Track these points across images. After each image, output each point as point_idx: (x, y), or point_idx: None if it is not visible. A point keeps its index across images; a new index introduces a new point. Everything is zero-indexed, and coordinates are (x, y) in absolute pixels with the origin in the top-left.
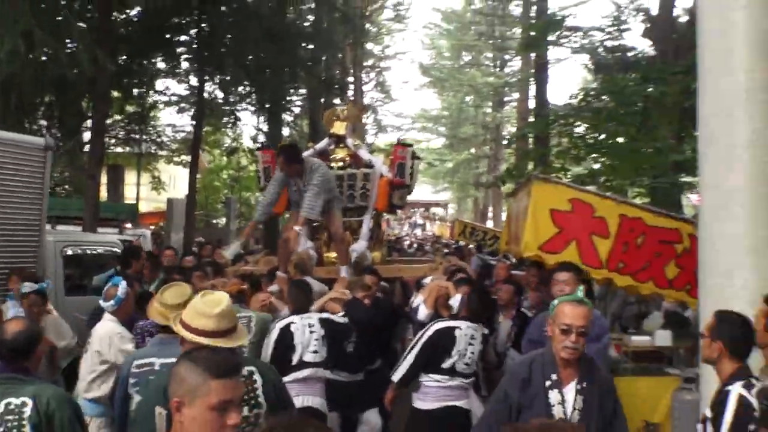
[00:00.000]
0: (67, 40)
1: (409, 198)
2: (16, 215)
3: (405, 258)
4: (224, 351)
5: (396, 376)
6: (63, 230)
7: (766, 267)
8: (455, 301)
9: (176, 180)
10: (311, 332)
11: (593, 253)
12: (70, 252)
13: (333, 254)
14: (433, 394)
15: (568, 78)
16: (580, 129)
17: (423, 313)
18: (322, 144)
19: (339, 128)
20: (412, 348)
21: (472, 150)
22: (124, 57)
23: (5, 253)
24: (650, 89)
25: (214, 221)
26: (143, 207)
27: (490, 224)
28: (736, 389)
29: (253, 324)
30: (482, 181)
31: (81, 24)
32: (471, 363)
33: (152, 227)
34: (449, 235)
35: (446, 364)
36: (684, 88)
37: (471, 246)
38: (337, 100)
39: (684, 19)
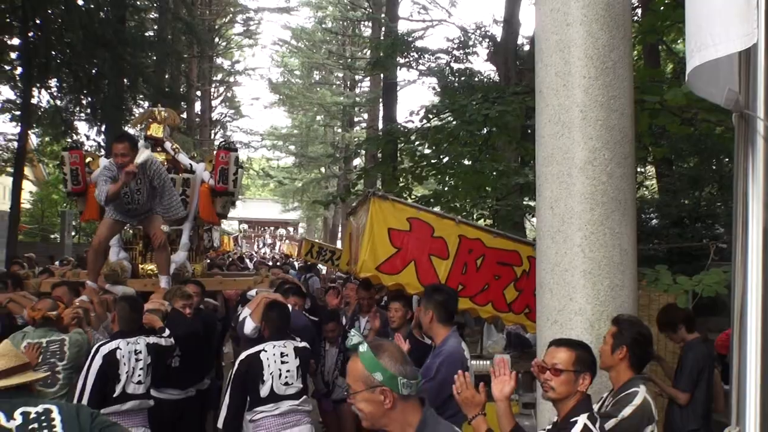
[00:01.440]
0: None
1: (259, 216)
2: None
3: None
4: None
5: (220, 422)
6: None
7: (603, 290)
8: None
9: (7, 192)
10: (137, 360)
11: (432, 273)
12: None
13: (149, 266)
14: (265, 427)
15: (418, 101)
16: (426, 150)
17: (250, 326)
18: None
19: (156, 131)
20: (227, 387)
21: (322, 169)
22: None
23: None
24: (490, 109)
25: (52, 236)
26: None
27: (339, 243)
28: (582, 420)
29: (67, 348)
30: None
31: None
32: (292, 382)
33: None
34: (297, 254)
35: (263, 392)
36: (524, 108)
37: (319, 266)
38: (184, 115)
39: (528, 47)
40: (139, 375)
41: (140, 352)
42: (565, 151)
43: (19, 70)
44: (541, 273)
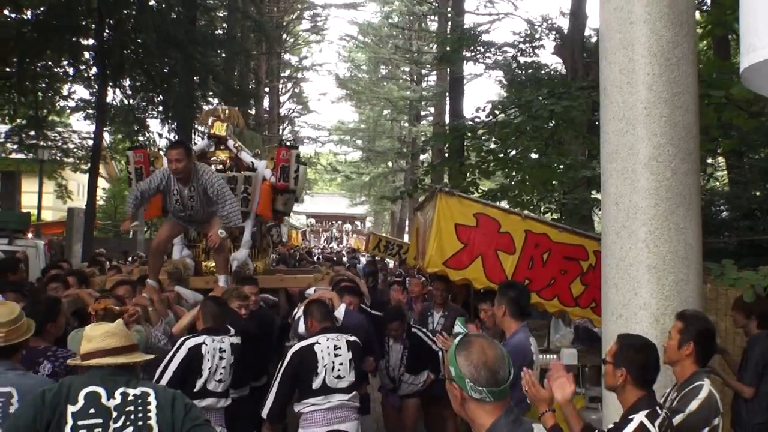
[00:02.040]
0: None
1: (327, 211)
2: None
3: (289, 269)
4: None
5: (264, 411)
6: None
7: (668, 284)
8: (340, 312)
9: (85, 189)
10: (221, 358)
11: (499, 268)
12: None
13: (212, 263)
14: (314, 420)
15: (484, 94)
16: (492, 144)
17: (302, 325)
18: (201, 145)
19: (219, 129)
20: (275, 377)
21: (389, 163)
22: (16, 59)
23: None
24: (556, 105)
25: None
26: (49, 216)
27: (406, 238)
28: (639, 417)
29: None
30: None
31: None
32: (345, 375)
33: (56, 237)
34: (364, 248)
35: (316, 384)
36: (590, 103)
37: (388, 260)
38: (252, 111)
39: (594, 39)
40: (221, 373)
41: (225, 350)
42: (630, 147)
43: (93, 70)
44: (606, 268)
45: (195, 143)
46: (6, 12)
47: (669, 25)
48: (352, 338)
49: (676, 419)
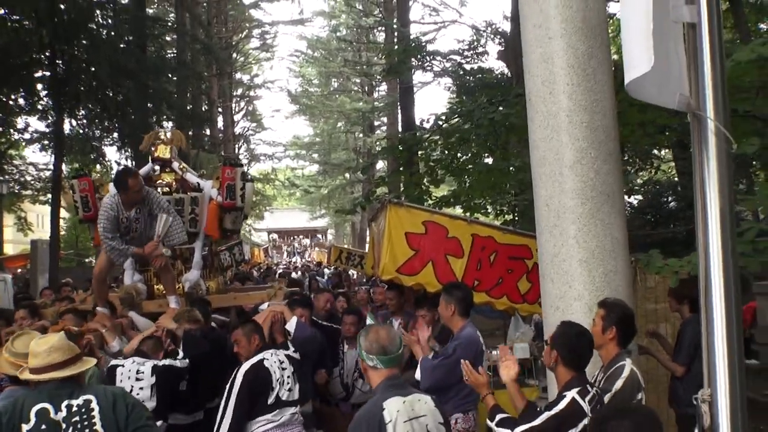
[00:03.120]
0: None
1: (288, 226)
2: None
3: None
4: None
5: None
6: None
7: (597, 276)
8: (291, 324)
9: (45, 220)
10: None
11: (449, 272)
12: None
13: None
14: None
15: (436, 101)
16: (439, 153)
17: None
18: (146, 168)
19: (163, 152)
20: (227, 398)
21: (347, 175)
22: None
23: None
24: (495, 112)
25: (87, 260)
26: (9, 250)
27: (368, 247)
28: (571, 394)
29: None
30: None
31: None
32: (293, 388)
33: (19, 270)
34: (327, 260)
35: (271, 399)
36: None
37: (351, 272)
38: (207, 131)
39: None
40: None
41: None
42: (555, 152)
43: (46, 101)
44: (543, 264)
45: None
46: None
47: (583, 38)
48: (290, 352)
49: (606, 397)
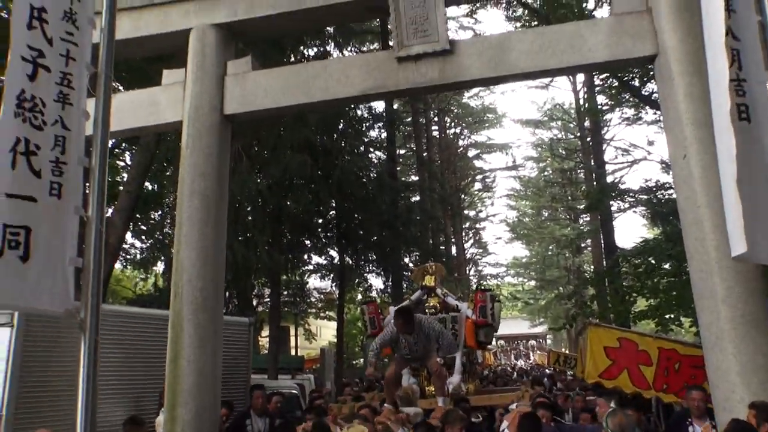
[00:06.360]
0: None
1: (512, 332)
2: (234, 368)
3: (494, 388)
4: None
5: None
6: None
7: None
8: None
9: (321, 330)
10: None
11: (642, 378)
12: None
13: (432, 387)
14: None
15: (635, 222)
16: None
17: None
18: (417, 295)
19: (429, 281)
20: None
21: (560, 288)
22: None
23: (227, 392)
24: (672, 249)
25: (354, 362)
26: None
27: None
28: None
29: None
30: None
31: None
32: None
33: (308, 371)
34: (546, 362)
35: None
36: None
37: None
38: (444, 259)
39: None
40: None
41: None
42: (710, 290)
43: (324, 242)
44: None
45: (409, 292)
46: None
47: None
48: None
49: None
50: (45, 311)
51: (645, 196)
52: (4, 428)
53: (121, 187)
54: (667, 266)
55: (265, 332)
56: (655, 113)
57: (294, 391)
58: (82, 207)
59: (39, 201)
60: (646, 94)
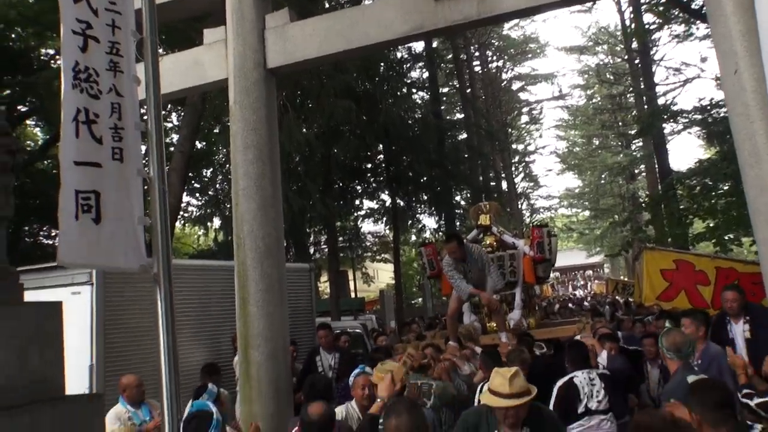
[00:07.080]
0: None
1: (568, 263)
2: (299, 312)
3: (556, 321)
4: None
5: None
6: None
7: None
8: (603, 357)
9: (378, 273)
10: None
11: (700, 297)
12: None
13: (494, 323)
14: None
15: (691, 142)
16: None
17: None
18: (473, 234)
19: (484, 220)
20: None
21: (615, 216)
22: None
23: (294, 335)
24: (728, 168)
25: (412, 302)
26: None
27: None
28: None
29: (433, 390)
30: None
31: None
32: (603, 399)
33: (369, 311)
34: (605, 291)
35: (581, 409)
36: None
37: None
38: (495, 196)
39: None
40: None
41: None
42: None
43: (374, 186)
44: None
45: (463, 230)
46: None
47: None
48: (602, 371)
49: None
50: (120, 268)
51: (699, 116)
52: (96, 376)
53: (172, 148)
54: (725, 187)
55: (324, 278)
56: (707, 27)
57: (358, 330)
58: (144, 168)
59: (104, 166)
60: (696, 8)
